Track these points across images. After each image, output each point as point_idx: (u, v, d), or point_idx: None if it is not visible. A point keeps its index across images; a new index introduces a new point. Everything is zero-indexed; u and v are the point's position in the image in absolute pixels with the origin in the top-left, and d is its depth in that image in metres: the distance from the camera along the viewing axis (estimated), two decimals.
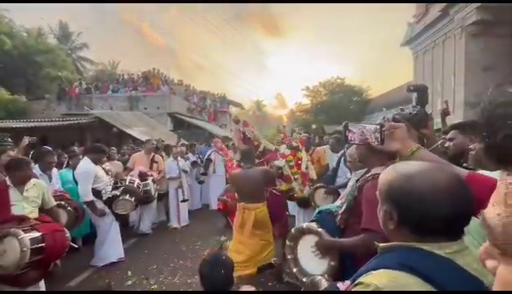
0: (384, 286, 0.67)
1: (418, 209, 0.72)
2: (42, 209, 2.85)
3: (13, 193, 2.58)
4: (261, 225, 3.29)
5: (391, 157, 1.45)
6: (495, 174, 1.18)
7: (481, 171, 1.10)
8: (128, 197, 4.01)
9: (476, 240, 1.17)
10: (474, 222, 1.18)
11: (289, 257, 1.81)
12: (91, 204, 3.87)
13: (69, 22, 29.79)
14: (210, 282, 1.68)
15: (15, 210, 2.53)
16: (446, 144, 1.93)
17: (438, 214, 0.70)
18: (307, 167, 3.76)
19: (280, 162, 3.68)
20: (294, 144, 3.84)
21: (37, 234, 2.32)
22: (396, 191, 0.77)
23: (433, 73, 10.95)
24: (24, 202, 2.65)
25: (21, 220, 2.43)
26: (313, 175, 3.86)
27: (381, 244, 0.82)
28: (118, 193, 3.99)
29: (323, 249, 1.68)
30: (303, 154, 3.80)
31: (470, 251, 0.75)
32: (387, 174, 0.82)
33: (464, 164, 1.42)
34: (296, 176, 3.68)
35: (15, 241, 2.16)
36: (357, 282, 0.75)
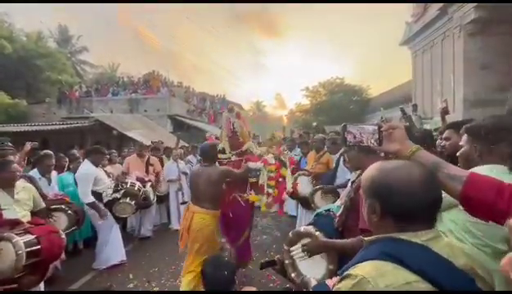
0: (369, 275, 0.74)
1: (397, 199, 0.81)
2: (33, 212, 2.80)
3: (3, 197, 2.53)
4: (196, 236, 2.85)
5: (388, 158, 1.45)
6: (481, 169, 1.20)
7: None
8: (128, 200, 4.00)
9: (463, 236, 1.24)
10: (462, 217, 1.20)
11: (286, 262, 1.77)
12: (93, 205, 3.87)
13: (69, 25, 29.91)
14: (212, 282, 1.70)
15: (8, 214, 2.47)
16: (441, 144, 1.93)
17: (415, 201, 0.80)
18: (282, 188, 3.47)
19: (257, 165, 3.30)
20: (283, 158, 3.59)
21: (31, 237, 2.30)
22: (376, 185, 0.85)
23: (432, 72, 10.96)
24: (16, 206, 2.60)
25: (14, 224, 2.39)
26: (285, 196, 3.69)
27: (366, 238, 0.89)
28: (118, 196, 3.99)
29: (313, 251, 1.66)
30: (288, 174, 3.55)
31: (443, 237, 0.84)
32: (368, 171, 0.91)
33: (459, 164, 1.42)
34: (270, 190, 3.34)
35: (10, 245, 2.13)
36: (344, 275, 0.80)
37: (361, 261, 0.80)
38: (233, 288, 1.76)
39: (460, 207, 0.97)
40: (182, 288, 2.92)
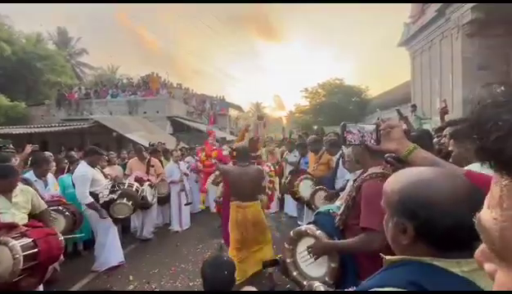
0: None
1: (439, 221, 0.64)
2: (32, 215, 2.79)
3: (1, 201, 2.54)
4: (257, 223, 3.29)
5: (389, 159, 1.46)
6: (475, 166, 1.22)
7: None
8: (125, 200, 3.97)
9: None
10: None
11: (288, 261, 1.78)
12: (91, 205, 3.86)
13: (68, 27, 29.94)
14: (212, 283, 1.70)
15: (6, 218, 2.48)
16: (441, 141, 1.94)
17: (461, 223, 0.61)
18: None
19: (265, 169, 3.87)
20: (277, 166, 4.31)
21: (28, 240, 2.29)
22: (411, 201, 0.68)
23: (430, 73, 11.00)
24: (14, 209, 2.60)
25: (10, 227, 2.37)
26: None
27: (388, 257, 0.73)
28: (115, 197, 3.97)
29: (318, 253, 1.67)
30: (276, 181, 4.22)
31: None
32: (394, 183, 0.74)
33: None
34: (268, 192, 3.96)
35: (6, 249, 2.13)
36: None
37: (381, 286, 0.66)
38: (233, 288, 1.76)
39: None
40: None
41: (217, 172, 4.01)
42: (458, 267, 0.63)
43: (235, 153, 3.72)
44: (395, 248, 0.74)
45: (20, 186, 2.80)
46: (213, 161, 4.09)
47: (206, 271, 1.72)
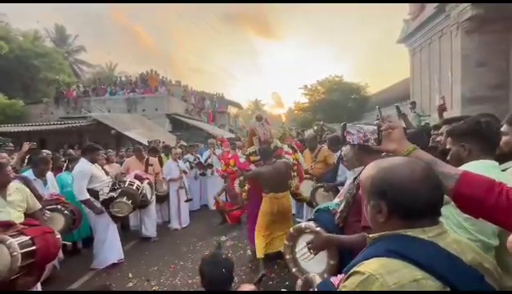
0: (376, 272, 0.72)
1: (405, 196, 0.79)
2: (26, 214, 2.75)
3: None
4: (288, 211, 3.75)
5: (389, 156, 1.46)
6: (471, 165, 1.23)
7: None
8: (125, 199, 3.96)
9: (456, 232, 1.25)
10: (456, 213, 1.22)
11: (287, 257, 1.80)
12: (87, 202, 3.86)
13: (65, 25, 29.76)
14: (210, 281, 1.69)
15: (2, 216, 2.45)
16: (437, 139, 1.94)
17: (422, 197, 0.78)
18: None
19: (289, 159, 4.06)
20: (293, 146, 4.49)
21: (25, 238, 2.28)
22: (380, 183, 0.82)
23: (430, 70, 10.98)
24: (9, 208, 2.57)
25: (7, 226, 2.36)
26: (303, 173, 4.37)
27: (371, 235, 0.87)
28: (115, 195, 3.96)
29: (318, 248, 1.68)
30: (300, 156, 4.36)
31: (448, 234, 0.82)
32: (367, 171, 0.88)
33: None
34: (294, 174, 4.09)
35: (4, 247, 2.12)
36: (351, 272, 0.79)
37: (367, 259, 0.79)
38: (231, 286, 1.76)
39: (453, 204, 0.99)
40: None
41: (241, 177, 4.33)
42: (425, 234, 0.78)
43: (251, 158, 4.16)
44: (374, 228, 0.87)
45: (16, 185, 2.78)
46: (235, 169, 4.46)
47: (204, 269, 1.71)
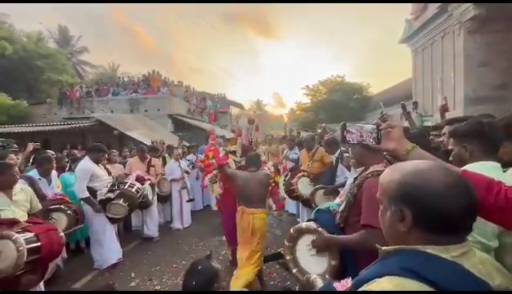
0: None
1: (436, 205, 0.68)
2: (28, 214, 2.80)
3: (1, 199, 2.56)
4: (256, 232, 3.17)
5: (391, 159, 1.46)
6: (472, 166, 1.22)
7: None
8: (121, 201, 3.94)
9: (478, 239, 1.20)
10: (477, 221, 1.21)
11: (288, 258, 1.77)
12: (87, 200, 3.88)
13: (68, 26, 29.92)
14: (186, 290, 1.58)
15: (7, 214, 2.51)
16: (439, 139, 1.94)
17: (456, 209, 0.68)
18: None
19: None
20: (279, 167, 4.37)
21: (30, 234, 2.33)
22: (408, 188, 0.71)
23: (432, 70, 10.93)
24: (14, 207, 2.63)
25: (12, 223, 2.41)
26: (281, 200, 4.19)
27: (383, 247, 0.77)
28: (112, 196, 3.96)
29: (320, 246, 1.67)
30: (281, 180, 4.08)
31: (474, 252, 0.73)
32: (390, 174, 0.78)
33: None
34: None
35: (10, 242, 2.16)
36: (361, 291, 0.71)
37: (378, 276, 0.69)
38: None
39: None
40: (240, 280, 3.00)
41: (214, 171, 3.99)
42: (447, 253, 0.68)
43: (230, 156, 3.91)
44: (390, 238, 0.77)
45: (21, 185, 2.84)
46: (212, 161, 4.03)
47: (184, 277, 1.62)
